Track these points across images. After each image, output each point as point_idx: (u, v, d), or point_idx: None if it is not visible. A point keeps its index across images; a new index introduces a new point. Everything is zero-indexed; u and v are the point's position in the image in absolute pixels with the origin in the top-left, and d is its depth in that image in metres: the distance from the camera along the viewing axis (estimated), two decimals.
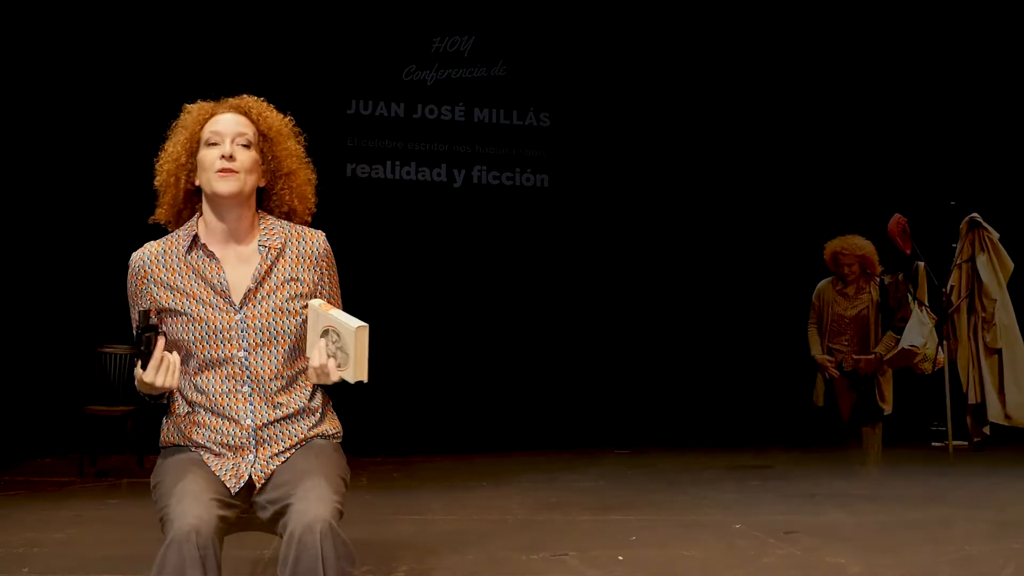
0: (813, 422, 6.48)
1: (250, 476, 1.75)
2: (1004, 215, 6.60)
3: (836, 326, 6.22)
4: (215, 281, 1.81)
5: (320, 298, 1.85)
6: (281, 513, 1.69)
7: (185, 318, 1.79)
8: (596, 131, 7.58)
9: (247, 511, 1.77)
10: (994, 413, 6.35)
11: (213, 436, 1.78)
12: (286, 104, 2.00)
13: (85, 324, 6.01)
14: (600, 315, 7.32)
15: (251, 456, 1.77)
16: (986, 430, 6.42)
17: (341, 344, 1.69)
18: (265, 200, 1.93)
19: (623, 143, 7.58)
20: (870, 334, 6.24)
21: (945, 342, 6.32)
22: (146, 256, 1.84)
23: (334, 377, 1.71)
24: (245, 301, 1.80)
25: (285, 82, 6.16)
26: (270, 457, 1.78)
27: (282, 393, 1.82)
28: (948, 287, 6.44)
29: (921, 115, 7.55)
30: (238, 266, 1.83)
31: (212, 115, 1.87)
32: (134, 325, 1.86)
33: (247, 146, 1.84)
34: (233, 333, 1.78)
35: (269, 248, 1.84)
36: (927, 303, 6.32)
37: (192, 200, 1.90)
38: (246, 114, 1.88)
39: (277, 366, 1.80)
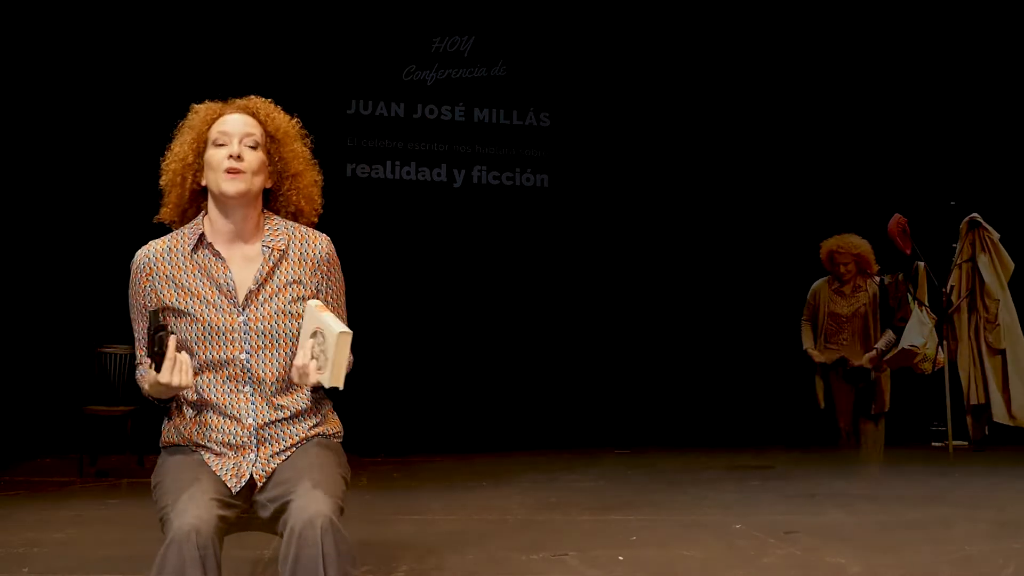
0: (813, 422, 6.47)
1: (251, 475, 1.75)
2: (1004, 215, 6.60)
3: (833, 325, 6.22)
4: (221, 281, 1.81)
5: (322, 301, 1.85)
6: (282, 511, 1.69)
7: (188, 318, 1.79)
8: (596, 131, 7.58)
9: (247, 511, 1.77)
10: (998, 413, 6.35)
11: (214, 435, 1.78)
12: (286, 104, 2.00)
13: (85, 324, 6.01)
14: (600, 315, 7.32)
15: (252, 455, 1.77)
16: (986, 430, 6.42)
17: (324, 347, 1.69)
18: (272, 201, 1.93)
19: (623, 143, 7.58)
20: (868, 333, 6.23)
21: (945, 342, 6.32)
22: (151, 253, 1.84)
23: (312, 379, 1.71)
24: (247, 302, 1.80)
25: (285, 82, 6.15)
26: (271, 456, 1.78)
27: (283, 395, 1.81)
28: (948, 287, 6.44)
29: (921, 115, 7.55)
30: (243, 266, 1.83)
31: (220, 115, 1.87)
32: (135, 325, 1.86)
33: (254, 147, 1.84)
34: (236, 335, 1.78)
35: (273, 249, 1.84)
36: (927, 303, 6.32)
37: (197, 200, 1.90)
38: (254, 115, 1.88)
39: (279, 368, 1.80)
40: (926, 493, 4.50)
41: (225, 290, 1.80)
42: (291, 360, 1.81)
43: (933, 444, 6.72)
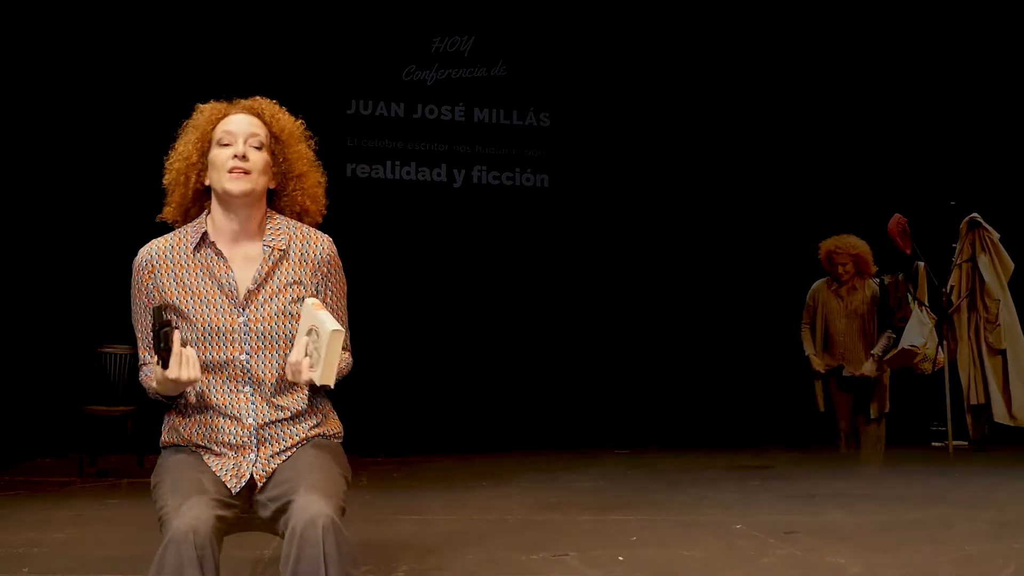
0: (813, 422, 6.46)
1: (251, 475, 1.75)
2: (1004, 215, 6.60)
3: (831, 326, 6.21)
4: (223, 280, 1.81)
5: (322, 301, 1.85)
6: (282, 511, 1.69)
7: (188, 318, 1.78)
8: (596, 131, 7.58)
9: (247, 511, 1.77)
10: (999, 414, 6.35)
11: (214, 435, 1.78)
12: (286, 104, 2.00)
13: (85, 324, 6.01)
14: (600, 315, 7.32)
15: (252, 455, 1.77)
16: (985, 429, 6.42)
17: (318, 344, 1.69)
18: (276, 201, 1.93)
19: (623, 143, 7.59)
20: (867, 333, 6.22)
21: (945, 342, 6.31)
22: (154, 251, 1.84)
23: (304, 375, 1.71)
24: (247, 302, 1.80)
25: (285, 82, 6.15)
26: (271, 456, 1.78)
27: (283, 395, 1.81)
28: (948, 287, 6.44)
29: (921, 115, 7.55)
30: (244, 266, 1.83)
31: (225, 115, 1.87)
32: (136, 325, 1.86)
33: (259, 147, 1.85)
34: (236, 336, 1.78)
35: (273, 249, 1.84)
36: (927, 303, 6.32)
37: (200, 199, 1.90)
38: (259, 116, 1.88)
39: (278, 369, 1.80)
40: (926, 493, 4.50)
41: (227, 289, 1.80)
42: None
43: (933, 444, 6.72)
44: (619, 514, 3.95)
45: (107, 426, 5.65)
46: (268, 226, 1.87)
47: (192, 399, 1.80)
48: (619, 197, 7.52)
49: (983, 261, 6.35)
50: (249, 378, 1.79)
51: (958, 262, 6.47)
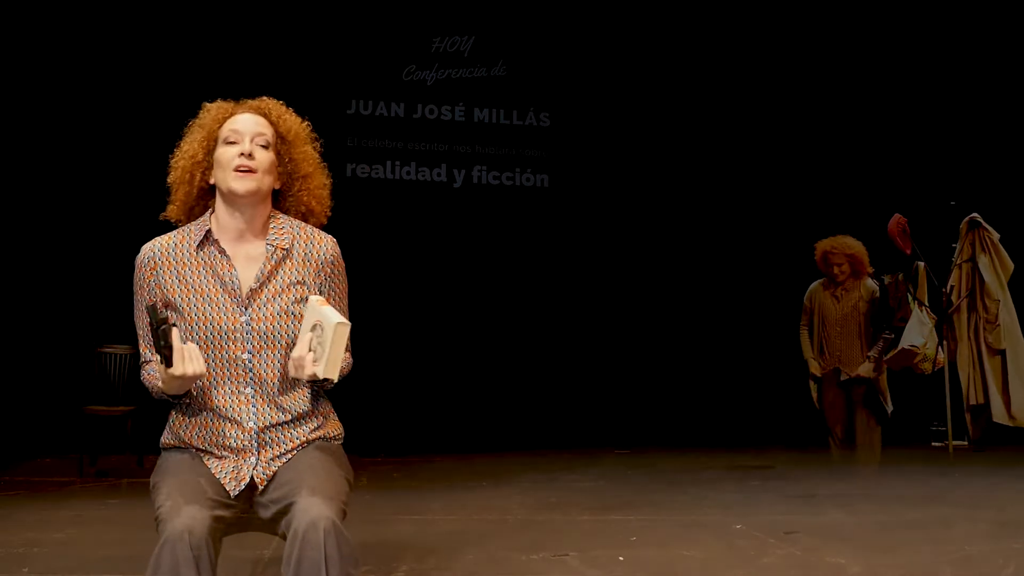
0: (813, 422, 6.46)
1: (251, 478, 1.75)
2: (1004, 215, 6.60)
3: (828, 327, 6.21)
4: (226, 278, 1.80)
5: None
6: (283, 512, 1.69)
7: (190, 317, 1.78)
8: (596, 131, 7.58)
9: (248, 511, 1.77)
10: (998, 414, 6.35)
11: (214, 439, 1.77)
12: (287, 104, 2.00)
13: (85, 324, 6.01)
14: (600, 315, 7.32)
15: (253, 458, 1.77)
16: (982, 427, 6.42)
17: (322, 339, 1.69)
18: (281, 201, 1.93)
19: (623, 143, 7.59)
20: (860, 335, 6.20)
21: (945, 342, 6.31)
22: (156, 248, 1.84)
23: (308, 370, 1.71)
24: (250, 301, 1.80)
25: (285, 82, 6.15)
26: (271, 459, 1.77)
27: (285, 396, 1.81)
28: (948, 287, 6.44)
29: (921, 115, 7.55)
30: (246, 265, 1.82)
31: (231, 115, 1.87)
32: (138, 322, 1.85)
33: (265, 147, 1.85)
34: (238, 335, 1.78)
35: (276, 248, 1.84)
36: (927, 303, 6.32)
37: (205, 198, 1.89)
38: (266, 116, 1.88)
39: (281, 369, 1.80)
40: (926, 493, 4.50)
41: (229, 288, 1.80)
42: None
43: (933, 444, 6.72)
44: (619, 514, 3.95)
45: (107, 426, 5.65)
46: (272, 225, 1.87)
47: (193, 401, 1.80)
48: (619, 197, 7.52)
49: (983, 261, 6.35)
50: (251, 378, 1.78)
51: (958, 262, 6.47)
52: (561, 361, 7.13)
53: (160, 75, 6.49)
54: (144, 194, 2.10)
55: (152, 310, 1.69)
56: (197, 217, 1.89)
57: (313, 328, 1.72)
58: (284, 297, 1.82)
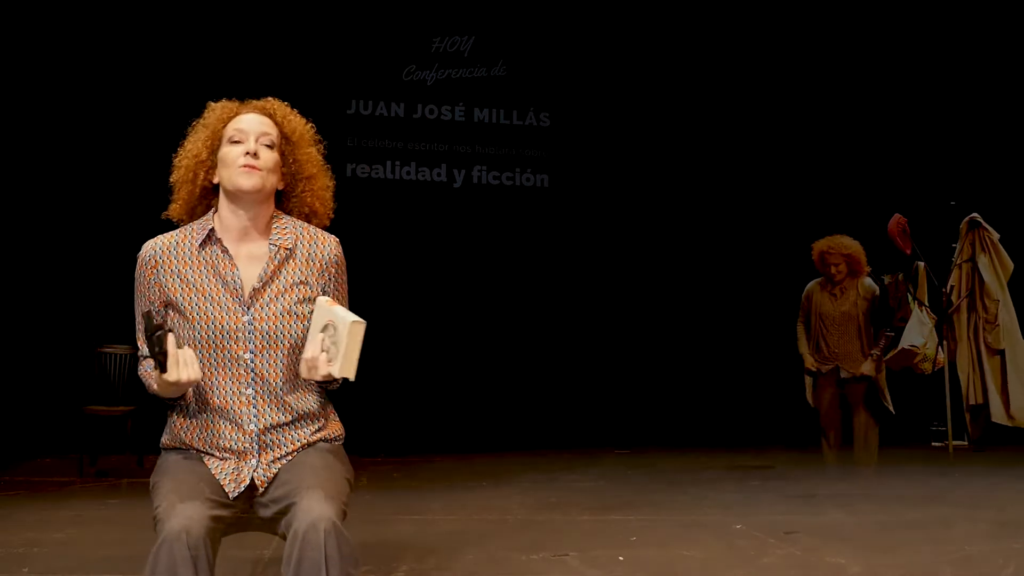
0: (813, 422, 6.46)
1: (252, 480, 1.75)
2: (1004, 215, 6.60)
3: (825, 326, 6.20)
4: (228, 278, 1.79)
5: None
6: (283, 512, 1.69)
7: (192, 317, 1.77)
8: (596, 131, 7.58)
9: (248, 511, 1.77)
10: (997, 414, 6.35)
11: (215, 440, 1.77)
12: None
13: (85, 324, 6.01)
14: (600, 315, 7.32)
15: (253, 460, 1.76)
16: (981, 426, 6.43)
17: (336, 338, 1.69)
18: (285, 202, 1.92)
19: (623, 143, 7.59)
20: (859, 334, 6.18)
21: (945, 342, 6.31)
22: (159, 246, 1.83)
23: (322, 370, 1.71)
24: (252, 301, 1.79)
25: (285, 82, 6.15)
26: (272, 461, 1.77)
27: (286, 396, 1.80)
28: (948, 287, 6.44)
29: (921, 115, 7.55)
30: (249, 264, 1.82)
31: (236, 114, 1.87)
32: (138, 317, 1.85)
33: (270, 147, 1.84)
34: (240, 335, 1.77)
35: (279, 247, 1.83)
36: (927, 303, 6.31)
37: (207, 198, 1.89)
38: (271, 116, 1.88)
39: (283, 369, 1.79)
40: (926, 493, 4.50)
41: (231, 288, 1.79)
42: (295, 361, 1.80)
43: (933, 444, 6.72)
44: (619, 514, 3.95)
45: (107, 426, 5.65)
46: (275, 225, 1.87)
47: (193, 402, 1.80)
48: (619, 197, 7.52)
49: (983, 261, 6.36)
50: (253, 379, 1.78)
51: (958, 262, 6.47)
52: (561, 361, 7.13)
53: (160, 75, 6.49)
54: (145, 194, 2.10)
55: (148, 316, 1.68)
56: (199, 217, 1.88)
57: (324, 328, 1.72)
58: (287, 297, 1.81)
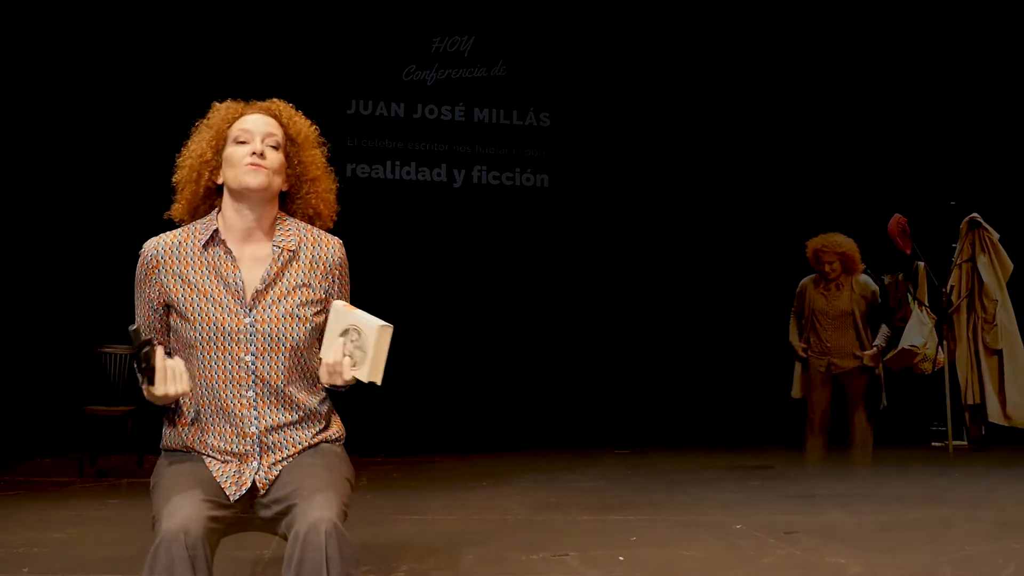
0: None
1: (253, 482, 1.75)
2: (1004, 215, 6.60)
3: (819, 322, 6.19)
4: (230, 280, 1.79)
5: (328, 306, 1.85)
6: (284, 513, 1.69)
7: (193, 318, 1.77)
8: (596, 131, 7.58)
9: (248, 510, 1.77)
10: (994, 414, 6.35)
11: (216, 443, 1.77)
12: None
13: (85, 324, 6.01)
14: (600, 315, 7.32)
15: (255, 463, 1.76)
16: (982, 429, 6.42)
17: (360, 343, 1.69)
18: (289, 203, 1.92)
19: (623, 143, 7.59)
20: (855, 330, 6.17)
21: (945, 342, 6.31)
22: (161, 245, 1.82)
23: (347, 375, 1.71)
24: (255, 303, 1.79)
25: (285, 82, 6.15)
26: (273, 464, 1.77)
27: (287, 398, 1.80)
28: (948, 287, 6.44)
29: (921, 115, 7.55)
30: (252, 266, 1.81)
31: (241, 115, 1.87)
32: (137, 314, 1.85)
33: (276, 148, 1.84)
34: (241, 336, 1.76)
35: (283, 249, 1.83)
36: (927, 303, 6.32)
37: (210, 198, 1.88)
38: (276, 117, 1.88)
39: (284, 371, 1.79)
40: (926, 493, 4.50)
41: (233, 289, 1.78)
42: (296, 363, 1.80)
43: (933, 444, 6.72)
44: (619, 514, 3.95)
45: (107, 426, 5.65)
46: (279, 227, 1.86)
47: (193, 404, 1.79)
48: (619, 197, 7.52)
49: (982, 261, 6.36)
50: (254, 380, 1.77)
51: (958, 262, 6.47)
52: (561, 361, 7.12)
53: (160, 75, 6.48)
54: (145, 193, 2.10)
55: (135, 333, 1.69)
56: (201, 217, 1.88)
57: (344, 333, 1.72)
58: (290, 300, 1.81)
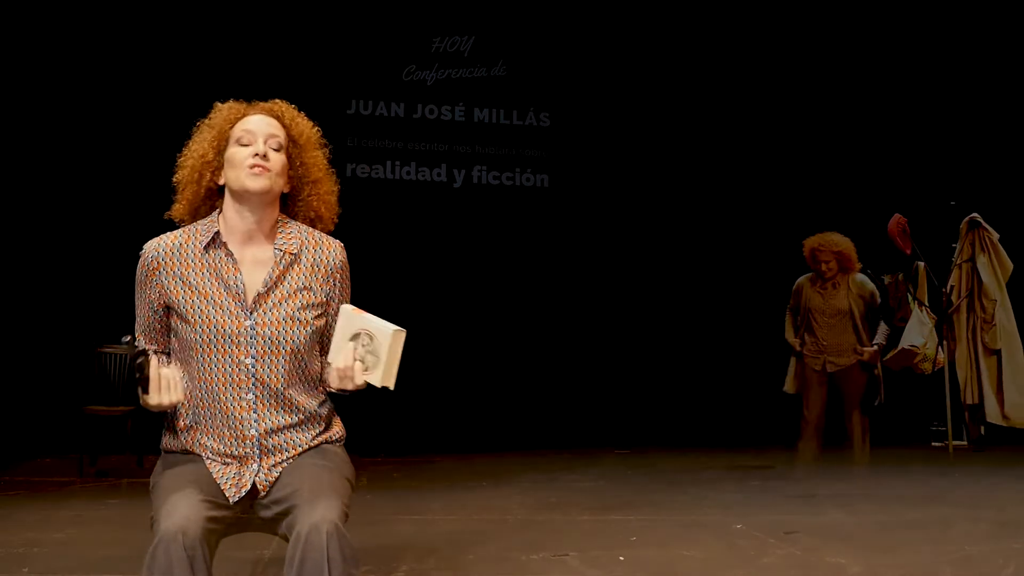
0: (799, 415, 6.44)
1: (254, 484, 1.74)
2: (1004, 215, 6.60)
3: (815, 320, 6.19)
4: (231, 282, 1.78)
5: (329, 310, 1.85)
6: (284, 514, 1.69)
7: (193, 320, 1.76)
8: (596, 131, 7.58)
9: (248, 511, 1.77)
10: (992, 413, 6.36)
11: (216, 446, 1.77)
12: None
13: (85, 324, 6.00)
14: (600, 315, 7.32)
15: (255, 465, 1.76)
16: (982, 429, 6.42)
17: (372, 348, 1.68)
18: (291, 205, 1.91)
19: (623, 143, 7.58)
20: (853, 328, 6.16)
21: (945, 342, 6.31)
22: (161, 247, 1.81)
23: (358, 380, 1.71)
24: (256, 306, 1.78)
25: (285, 82, 6.15)
26: (273, 466, 1.77)
27: (287, 401, 1.79)
28: (948, 287, 6.44)
29: (921, 115, 7.55)
30: (253, 268, 1.81)
31: (244, 115, 1.86)
32: (137, 314, 1.84)
33: (278, 149, 1.84)
34: (242, 339, 1.76)
35: (284, 252, 1.82)
36: (927, 303, 6.32)
37: (211, 199, 1.88)
38: (279, 118, 1.87)
39: (283, 374, 1.78)
40: (926, 493, 4.50)
41: (234, 292, 1.78)
42: (296, 365, 1.80)
43: (933, 444, 6.71)
44: (619, 514, 3.95)
45: (107, 426, 5.65)
46: (280, 230, 1.85)
47: (193, 406, 1.79)
48: (619, 197, 7.52)
49: (981, 261, 6.36)
50: (253, 383, 1.77)
51: (958, 262, 6.47)
52: (561, 361, 7.12)
53: (160, 75, 6.48)
54: (145, 194, 2.09)
55: (131, 343, 1.70)
56: (202, 217, 1.87)
57: (354, 337, 1.71)
58: (290, 303, 1.80)
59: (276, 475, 1.76)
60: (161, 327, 1.83)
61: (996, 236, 6.39)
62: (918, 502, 4.21)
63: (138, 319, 1.84)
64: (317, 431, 1.84)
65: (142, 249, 1.83)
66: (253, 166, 1.78)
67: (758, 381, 7.16)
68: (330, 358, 1.76)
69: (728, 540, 3.33)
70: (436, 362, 6.89)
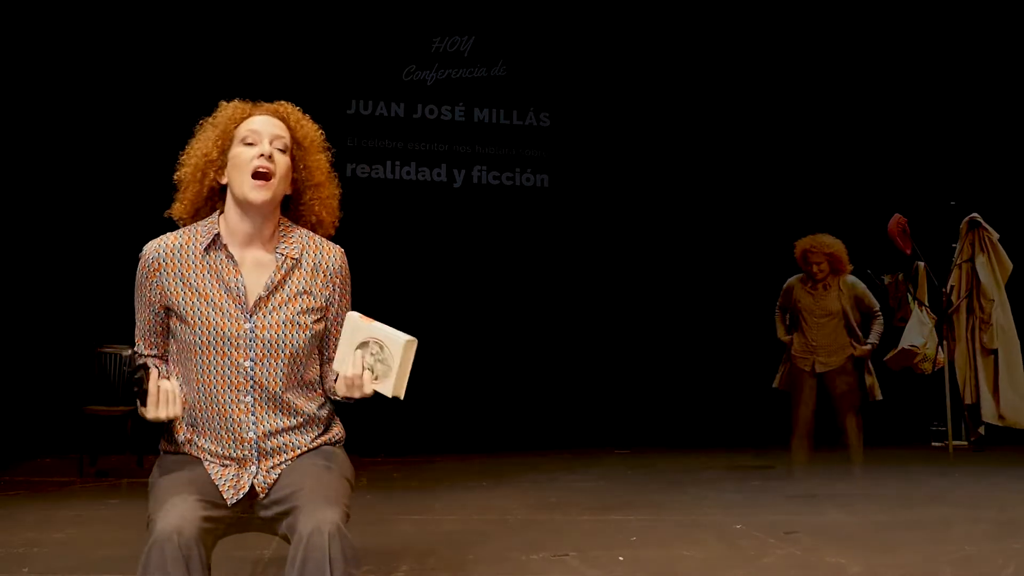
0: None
1: (252, 485, 1.74)
2: (1004, 215, 6.60)
3: (805, 321, 6.17)
4: (232, 284, 1.78)
5: (328, 314, 1.85)
6: (284, 514, 1.69)
7: (193, 322, 1.76)
8: (596, 131, 7.58)
9: (248, 511, 1.76)
10: (988, 413, 6.36)
11: (214, 448, 1.76)
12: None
13: (85, 324, 6.01)
14: (600, 315, 7.32)
15: (253, 467, 1.76)
16: (981, 430, 6.42)
17: (383, 357, 1.67)
18: (292, 208, 1.90)
19: (623, 143, 7.59)
20: (844, 330, 6.13)
21: (945, 342, 6.31)
22: (162, 248, 1.80)
23: (367, 389, 1.69)
24: (256, 309, 1.78)
25: (285, 82, 6.15)
26: (271, 468, 1.77)
27: (286, 404, 1.79)
28: (948, 287, 6.44)
29: (921, 115, 7.55)
30: (254, 272, 1.80)
31: (248, 116, 1.84)
32: (137, 315, 1.84)
33: (283, 151, 1.82)
34: (241, 342, 1.75)
35: (286, 257, 1.82)
36: (927, 303, 6.31)
37: (213, 198, 1.86)
38: (284, 120, 1.86)
39: (282, 378, 1.78)
40: (926, 493, 4.50)
41: (234, 294, 1.77)
42: (295, 369, 1.79)
43: (933, 444, 6.71)
44: (619, 514, 3.95)
45: (107, 426, 5.65)
46: (281, 233, 1.84)
47: (192, 408, 1.78)
48: (619, 197, 7.52)
49: (980, 261, 6.36)
50: (252, 386, 1.76)
51: (958, 262, 6.47)
52: (561, 361, 7.12)
53: (160, 74, 6.49)
54: (146, 193, 2.09)
55: (132, 356, 1.70)
56: (203, 217, 1.86)
57: (362, 346, 1.70)
58: (290, 307, 1.80)
59: (275, 477, 1.75)
60: (161, 330, 1.82)
61: (996, 236, 6.39)
62: (918, 502, 4.21)
63: (138, 322, 1.83)
64: (316, 433, 1.83)
65: (142, 251, 1.82)
66: (257, 170, 1.77)
67: (758, 381, 7.15)
68: (336, 366, 1.74)
69: (728, 540, 3.33)
70: (436, 362, 6.85)
